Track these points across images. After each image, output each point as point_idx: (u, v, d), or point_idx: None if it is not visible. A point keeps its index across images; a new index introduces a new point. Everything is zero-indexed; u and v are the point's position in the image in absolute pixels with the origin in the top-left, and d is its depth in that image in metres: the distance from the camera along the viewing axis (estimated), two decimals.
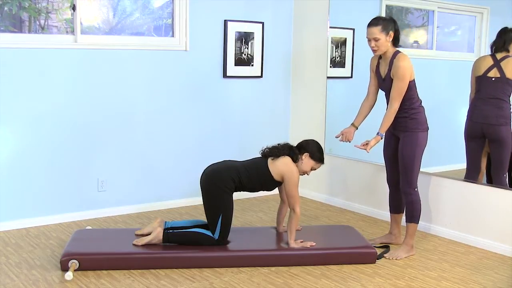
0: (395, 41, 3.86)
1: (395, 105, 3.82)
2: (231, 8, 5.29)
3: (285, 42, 5.70)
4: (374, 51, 3.87)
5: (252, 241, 3.94)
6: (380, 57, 3.97)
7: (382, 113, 3.91)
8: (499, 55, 4.29)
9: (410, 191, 3.93)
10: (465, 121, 4.47)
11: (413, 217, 3.96)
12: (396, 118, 3.87)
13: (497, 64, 4.28)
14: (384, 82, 3.94)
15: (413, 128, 3.87)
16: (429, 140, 3.96)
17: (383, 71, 3.93)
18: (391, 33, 3.81)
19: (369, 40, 3.84)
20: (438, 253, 4.08)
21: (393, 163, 4.09)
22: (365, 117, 4.11)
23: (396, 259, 3.91)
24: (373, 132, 3.90)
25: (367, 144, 3.86)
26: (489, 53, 4.36)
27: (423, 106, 3.93)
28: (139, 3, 5.03)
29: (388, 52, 3.86)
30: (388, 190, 4.22)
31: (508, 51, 4.28)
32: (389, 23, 3.81)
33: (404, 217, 4.04)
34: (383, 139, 4.00)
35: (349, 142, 4.06)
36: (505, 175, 4.28)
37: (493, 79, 4.28)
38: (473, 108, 4.41)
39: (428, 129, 3.93)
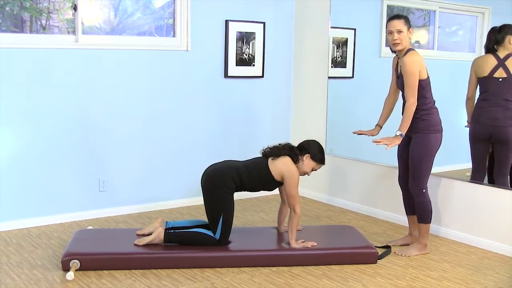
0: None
1: (410, 99, 3.77)
2: (232, 8, 5.29)
3: (286, 42, 5.70)
4: (395, 44, 3.83)
5: (253, 241, 3.94)
6: (397, 58, 3.99)
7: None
8: (501, 53, 4.23)
9: (418, 193, 3.93)
10: (470, 123, 4.43)
11: (423, 217, 3.96)
12: None
13: (501, 63, 4.21)
14: (398, 79, 3.95)
15: (424, 129, 3.85)
16: None
17: (399, 69, 3.94)
18: (411, 30, 3.84)
19: (391, 33, 3.83)
20: (439, 253, 4.08)
21: (401, 163, 4.09)
22: (388, 115, 4.13)
23: (406, 255, 3.94)
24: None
25: (387, 138, 3.81)
26: (486, 53, 4.31)
27: (436, 108, 3.90)
28: (140, 3, 5.04)
29: (404, 50, 3.87)
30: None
31: (505, 48, 4.20)
32: (409, 20, 3.86)
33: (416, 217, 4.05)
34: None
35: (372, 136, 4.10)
36: (507, 176, 4.26)
37: (500, 79, 4.21)
38: (480, 110, 4.34)
39: (441, 130, 3.90)
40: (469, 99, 4.47)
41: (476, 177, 4.38)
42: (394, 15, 3.91)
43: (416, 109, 3.82)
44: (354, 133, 4.21)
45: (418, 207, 3.97)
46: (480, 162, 4.40)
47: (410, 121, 3.81)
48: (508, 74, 4.19)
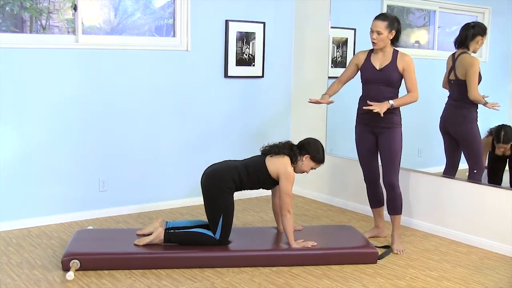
0: (394, 41, 4.00)
1: (416, 95, 3.96)
2: (232, 8, 5.29)
3: (286, 42, 5.70)
4: (374, 43, 3.98)
5: (253, 241, 3.94)
6: (369, 52, 4.07)
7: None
8: (457, 52, 4.38)
9: (396, 184, 4.05)
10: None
11: (398, 209, 4.10)
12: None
13: (453, 65, 4.38)
14: (380, 72, 4.01)
15: (398, 123, 4.03)
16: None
17: (379, 63, 4.02)
18: (393, 32, 3.95)
19: (372, 32, 3.96)
20: (439, 253, 4.08)
21: (370, 160, 4.19)
22: (335, 93, 4.27)
23: (401, 253, 4.02)
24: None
25: (378, 104, 3.90)
26: (456, 48, 4.43)
27: None
28: (140, 3, 5.04)
29: (387, 48, 3.99)
30: (383, 188, 4.24)
31: (468, 48, 4.33)
32: (394, 22, 3.96)
33: (387, 211, 4.13)
34: (358, 136, 4.17)
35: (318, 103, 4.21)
36: (475, 171, 4.34)
37: (452, 81, 4.40)
38: (444, 107, 4.54)
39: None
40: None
41: (446, 171, 4.49)
42: (380, 14, 4.01)
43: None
44: (310, 101, 4.23)
45: (395, 199, 4.08)
46: (448, 156, 4.53)
47: (403, 105, 3.97)
48: (456, 76, 4.35)
